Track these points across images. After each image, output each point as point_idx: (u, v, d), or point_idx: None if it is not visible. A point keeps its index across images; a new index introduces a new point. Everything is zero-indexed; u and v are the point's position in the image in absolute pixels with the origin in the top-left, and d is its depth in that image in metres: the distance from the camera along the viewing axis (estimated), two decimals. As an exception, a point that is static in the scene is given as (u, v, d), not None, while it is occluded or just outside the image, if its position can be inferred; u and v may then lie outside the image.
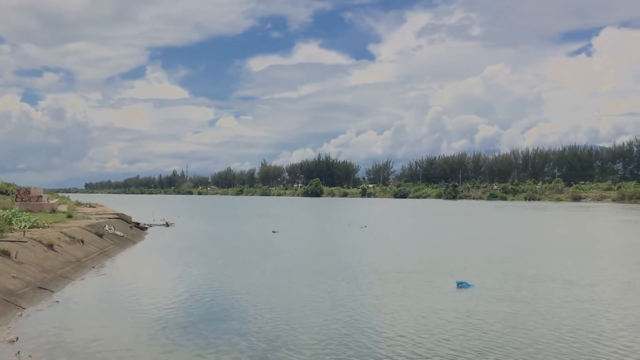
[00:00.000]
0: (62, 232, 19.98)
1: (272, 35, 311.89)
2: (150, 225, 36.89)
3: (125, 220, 32.31)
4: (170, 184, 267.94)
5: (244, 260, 21.22)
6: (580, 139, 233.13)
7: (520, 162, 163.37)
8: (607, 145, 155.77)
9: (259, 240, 29.48)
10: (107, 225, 26.37)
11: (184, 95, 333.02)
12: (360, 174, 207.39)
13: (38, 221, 21.89)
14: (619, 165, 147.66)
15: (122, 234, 26.59)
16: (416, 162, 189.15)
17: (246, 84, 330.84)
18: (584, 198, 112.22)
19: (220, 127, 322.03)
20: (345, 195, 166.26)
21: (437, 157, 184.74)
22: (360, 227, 38.09)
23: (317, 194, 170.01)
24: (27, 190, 31.56)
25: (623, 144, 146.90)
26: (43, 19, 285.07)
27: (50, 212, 29.82)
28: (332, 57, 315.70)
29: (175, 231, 35.15)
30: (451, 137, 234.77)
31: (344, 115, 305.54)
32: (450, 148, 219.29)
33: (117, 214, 34.19)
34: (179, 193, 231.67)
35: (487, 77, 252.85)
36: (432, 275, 17.15)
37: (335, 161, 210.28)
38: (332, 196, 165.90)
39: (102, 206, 45.04)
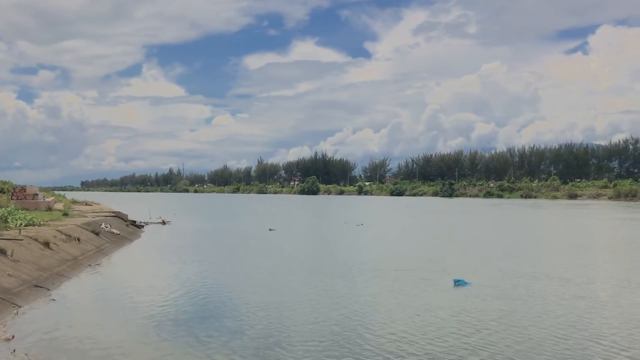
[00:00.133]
0: (58, 230, 19.93)
1: (268, 33, 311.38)
2: (147, 223, 36.82)
3: (122, 218, 32.25)
4: (167, 182, 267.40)
5: (240, 259, 21.21)
6: (577, 137, 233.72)
7: (517, 160, 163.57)
8: (603, 143, 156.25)
9: (256, 238, 29.47)
10: (103, 223, 26.32)
11: (181, 93, 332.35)
12: (357, 171, 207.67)
13: (34, 219, 21.84)
14: (615, 163, 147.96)
15: (118, 232, 26.55)
16: (413, 160, 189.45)
17: (243, 82, 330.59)
18: (580, 196, 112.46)
19: (217, 125, 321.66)
20: (341, 193, 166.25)
21: (434, 155, 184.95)
22: (356, 225, 38.11)
23: (313, 191, 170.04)
24: (23, 188, 31.46)
25: (619, 141, 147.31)
26: (39, 16, 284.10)
27: (46, 210, 29.75)
28: (329, 55, 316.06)
29: (172, 229, 35.11)
30: (447, 135, 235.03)
31: (341, 113, 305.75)
32: (447, 146, 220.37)
33: (113, 212, 34.13)
34: (175, 191, 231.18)
35: (484, 75, 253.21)
36: (429, 273, 17.17)
37: (331, 159, 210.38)
38: (328, 194, 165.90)
39: (99, 204, 44.97)
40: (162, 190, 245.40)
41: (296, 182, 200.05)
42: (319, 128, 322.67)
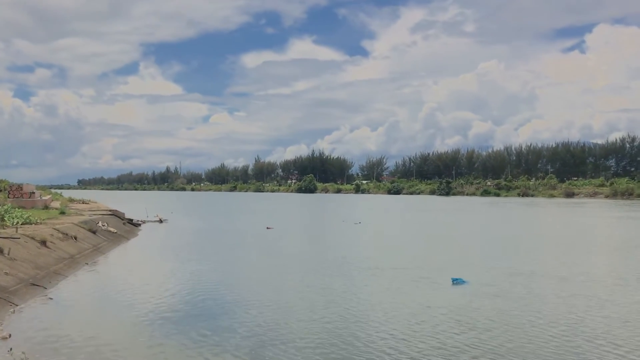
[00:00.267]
0: (55, 229, 19.86)
1: (266, 31, 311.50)
2: (144, 222, 36.74)
3: (119, 217, 32.16)
4: (164, 180, 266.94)
5: (237, 257, 21.18)
6: (574, 136, 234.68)
7: (514, 158, 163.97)
8: (600, 141, 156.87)
9: (253, 236, 29.44)
10: (100, 222, 26.24)
11: (178, 92, 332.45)
12: (354, 170, 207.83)
13: (31, 217, 21.77)
14: (611, 162, 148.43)
15: (115, 231, 26.47)
16: (410, 159, 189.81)
17: (240, 80, 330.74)
18: (577, 194, 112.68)
19: (214, 123, 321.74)
20: (339, 191, 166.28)
21: (431, 154, 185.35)
22: (354, 223, 38.11)
23: (311, 190, 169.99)
24: (20, 187, 31.35)
25: (616, 140, 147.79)
26: (36, 14, 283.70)
27: (43, 209, 29.64)
28: (326, 53, 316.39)
29: (169, 228, 35.05)
30: (445, 134, 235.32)
31: (338, 111, 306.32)
32: (444, 144, 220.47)
33: (110, 211, 34.03)
34: (172, 189, 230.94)
35: (481, 74, 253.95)
36: (427, 271, 17.16)
37: (329, 157, 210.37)
38: (326, 192, 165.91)
39: (95, 202, 44.84)
40: (159, 189, 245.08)
41: (293, 181, 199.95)
42: (317, 126, 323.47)
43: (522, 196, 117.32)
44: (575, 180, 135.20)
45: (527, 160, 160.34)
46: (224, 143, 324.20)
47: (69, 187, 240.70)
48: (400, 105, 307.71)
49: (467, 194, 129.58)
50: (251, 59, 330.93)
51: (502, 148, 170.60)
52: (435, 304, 12.43)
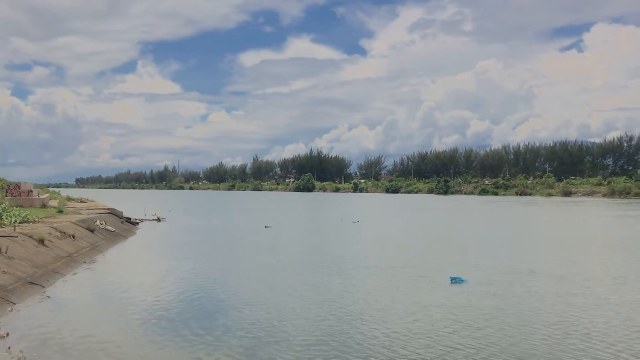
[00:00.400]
0: (52, 227, 19.81)
1: (264, 29, 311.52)
2: (142, 220, 36.70)
3: (117, 215, 32.12)
4: (162, 179, 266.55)
5: (236, 256, 21.16)
6: (571, 134, 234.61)
7: (512, 157, 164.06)
8: (597, 140, 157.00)
9: (252, 235, 29.41)
10: (98, 220, 26.20)
11: (176, 90, 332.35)
12: (352, 169, 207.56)
13: (28, 216, 21.73)
14: (609, 161, 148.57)
15: (113, 229, 26.43)
16: (408, 157, 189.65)
17: (238, 79, 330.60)
18: (575, 193, 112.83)
19: (212, 122, 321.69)
20: (337, 190, 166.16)
21: (429, 152, 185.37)
22: (352, 222, 38.09)
23: (309, 188, 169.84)
24: (17, 185, 31.30)
25: (613, 139, 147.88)
26: (33, 12, 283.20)
27: (41, 207, 29.59)
28: (324, 52, 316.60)
29: (167, 226, 35.01)
30: (443, 132, 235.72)
31: (336, 110, 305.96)
32: (442, 143, 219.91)
33: (108, 209, 33.98)
34: (170, 188, 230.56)
35: (479, 73, 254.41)
36: (425, 270, 17.17)
37: (327, 156, 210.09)
38: (324, 191, 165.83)
39: (93, 201, 44.79)
40: (157, 188, 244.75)
41: (291, 179, 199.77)
42: (315, 125, 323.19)
43: (520, 195, 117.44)
44: (572, 179, 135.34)
45: (525, 159, 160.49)
46: (222, 142, 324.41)
47: (66, 186, 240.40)
48: (398, 104, 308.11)
49: (465, 193, 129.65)
50: (249, 58, 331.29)
51: (500, 147, 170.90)
52: (433, 303, 12.43)
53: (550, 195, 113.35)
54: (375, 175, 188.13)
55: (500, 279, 15.50)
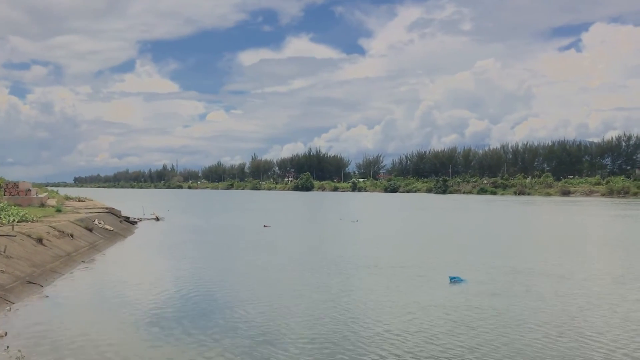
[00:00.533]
0: (51, 227, 19.78)
1: (262, 29, 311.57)
2: (140, 220, 36.67)
3: (115, 215, 32.09)
4: (160, 178, 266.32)
5: (234, 256, 21.14)
6: (570, 134, 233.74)
7: (510, 156, 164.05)
8: (596, 140, 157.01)
9: (250, 234, 29.39)
10: (96, 220, 26.17)
11: (174, 89, 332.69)
12: (351, 168, 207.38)
13: (27, 215, 21.69)
14: (607, 160, 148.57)
15: (112, 228, 26.40)
16: (406, 157, 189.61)
17: (237, 78, 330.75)
18: (573, 193, 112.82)
19: (211, 121, 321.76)
20: (335, 189, 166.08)
21: (428, 152, 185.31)
22: (351, 221, 38.07)
23: (307, 188, 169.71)
24: (16, 184, 31.27)
25: (612, 138, 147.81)
26: (32, 11, 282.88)
27: (39, 206, 29.54)
28: (323, 51, 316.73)
29: (165, 225, 34.98)
30: (441, 132, 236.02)
31: (335, 109, 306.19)
32: (441, 142, 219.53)
33: (106, 208, 33.94)
34: (169, 187, 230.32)
35: (478, 72, 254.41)
36: (425, 269, 17.17)
37: (325, 155, 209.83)
38: (322, 190, 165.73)
39: (92, 200, 44.75)
40: (155, 187, 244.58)
41: (290, 179, 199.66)
42: (313, 124, 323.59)
43: (519, 194, 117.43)
44: (571, 178, 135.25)
45: (524, 158, 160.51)
46: (221, 141, 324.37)
47: (65, 185, 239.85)
48: (397, 103, 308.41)
49: (464, 192, 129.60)
50: (248, 57, 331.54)
51: (499, 146, 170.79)
52: (432, 303, 12.42)
53: (548, 194, 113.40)
54: (374, 175, 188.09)
55: (500, 279, 15.50)
